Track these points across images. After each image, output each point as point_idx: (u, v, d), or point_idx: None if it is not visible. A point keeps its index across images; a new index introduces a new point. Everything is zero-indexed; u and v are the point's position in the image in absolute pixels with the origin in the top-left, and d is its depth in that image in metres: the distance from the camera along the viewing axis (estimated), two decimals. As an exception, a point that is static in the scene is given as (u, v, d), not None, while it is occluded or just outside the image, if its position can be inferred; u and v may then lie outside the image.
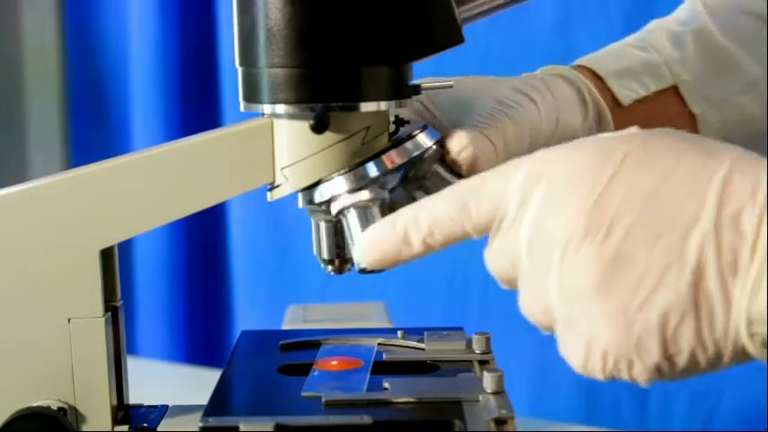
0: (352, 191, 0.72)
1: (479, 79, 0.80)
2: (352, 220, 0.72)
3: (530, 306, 0.61)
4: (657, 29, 0.89)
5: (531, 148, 0.75)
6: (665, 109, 0.86)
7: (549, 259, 0.59)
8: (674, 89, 0.86)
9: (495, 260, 0.62)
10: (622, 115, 0.84)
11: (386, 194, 0.72)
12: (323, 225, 0.75)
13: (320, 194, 0.73)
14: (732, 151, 0.58)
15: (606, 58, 0.86)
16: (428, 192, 0.73)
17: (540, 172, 0.60)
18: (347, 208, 0.72)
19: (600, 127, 0.83)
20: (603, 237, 0.57)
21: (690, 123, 0.87)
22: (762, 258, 0.55)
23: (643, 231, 0.57)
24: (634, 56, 0.86)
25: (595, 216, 0.58)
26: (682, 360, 0.57)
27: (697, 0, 0.90)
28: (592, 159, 0.59)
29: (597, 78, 0.84)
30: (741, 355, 0.57)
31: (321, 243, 0.76)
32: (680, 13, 0.91)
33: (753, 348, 0.56)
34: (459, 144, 0.74)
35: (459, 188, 0.63)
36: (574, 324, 0.59)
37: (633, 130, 0.62)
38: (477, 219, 0.62)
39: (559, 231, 0.58)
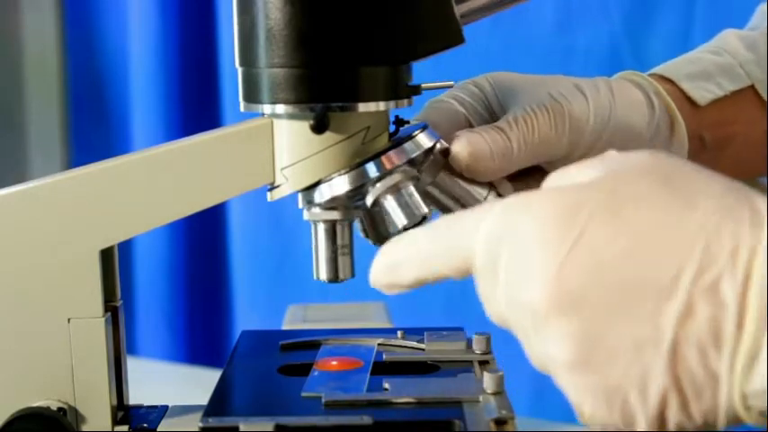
0: (381, 177, 0.71)
1: (552, 77, 0.80)
2: (390, 205, 0.72)
3: (530, 358, 0.59)
4: (729, 36, 0.89)
5: (572, 141, 0.76)
6: (744, 109, 0.86)
7: (525, 327, 0.57)
8: (752, 89, 0.86)
9: (487, 306, 0.60)
10: (701, 118, 0.84)
11: (415, 172, 0.72)
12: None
13: (320, 194, 0.73)
14: (709, 198, 0.53)
15: (678, 64, 0.86)
16: (439, 187, 0.75)
17: (504, 228, 0.57)
18: (383, 194, 0.72)
19: (672, 130, 0.82)
20: (570, 313, 0.54)
21: None
22: (753, 332, 0.51)
23: (612, 305, 0.53)
24: (707, 60, 0.86)
25: (560, 289, 0.54)
26: (671, 427, 0.54)
27: (764, 4, 0.90)
28: (555, 219, 0.55)
29: (670, 83, 0.84)
30: (735, 420, 0.54)
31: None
32: (750, 24, 0.92)
33: (749, 418, 0.53)
34: (458, 146, 0.74)
35: (438, 230, 0.61)
36: (561, 387, 0.57)
37: (612, 153, 0.59)
38: (451, 265, 0.60)
39: (526, 302, 0.55)
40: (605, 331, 0.53)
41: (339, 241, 0.74)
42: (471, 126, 0.78)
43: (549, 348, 0.55)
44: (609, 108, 0.78)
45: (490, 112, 0.79)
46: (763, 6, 0.92)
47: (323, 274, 0.75)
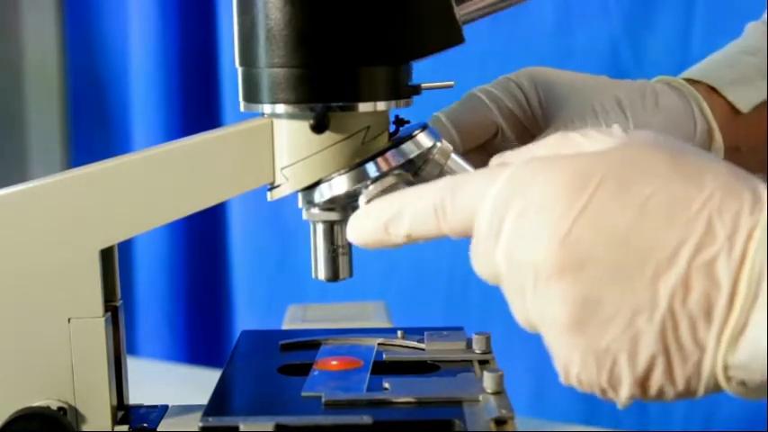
0: (376, 179, 0.72)
1: (596, 80, 0.81)
2: None
3: (515, 314, 0.61)
4: (758, 33, 0.90)
5: None
6: None
7: (523, 286, 0.58)
8: None
9: (478, 264, 0.61)
10: (738, 122, 0.85)
11: (409, 176, 0.73)
12: (320, 227, 0.75)
13: (320, 194, 0.73)
14: (715, 178, 0.56)
15: (718, 68, 0.87)
16: None
17: (513, 191, 0.58)
18: (376, 197, 0.72)
19: (710, 140, 0.83)
20: (574, 275, 0.56)
21: None
22: (741, 310, 0.54)
23: (613, 272, 0.55)
24: (746, 63, 0.87)
25: (565, 251, 0.56)
26: (652, 392, 0.57)
27: None
28: (565, 184, 0.56)
29: (711, 90, 0.85)
30: (714, 389, 0.57)
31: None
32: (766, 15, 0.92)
33: (729, 388, 0.56)
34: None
35: (440, 187, 0.62)
36: (551, 347, 0.59)
37: (617, 130, 0.61)
38: (452, 223, 0.62)
39: (529, 261, 0.57)
40: (604, 296, 0.56)
41: (337, 241, 0.74)
42: (498, 134, 0.80)
43: (545, 309, 0.57)
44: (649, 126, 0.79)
45: (527, 116, 0.80)
46: None
47: (321, 273, 0.75)
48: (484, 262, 0.60)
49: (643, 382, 0.57)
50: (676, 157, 0.57)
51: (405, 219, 0.63)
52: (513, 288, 0.59)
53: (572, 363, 0.58)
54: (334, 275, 0.75)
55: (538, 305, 0.58)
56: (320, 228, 0.74)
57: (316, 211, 0.74)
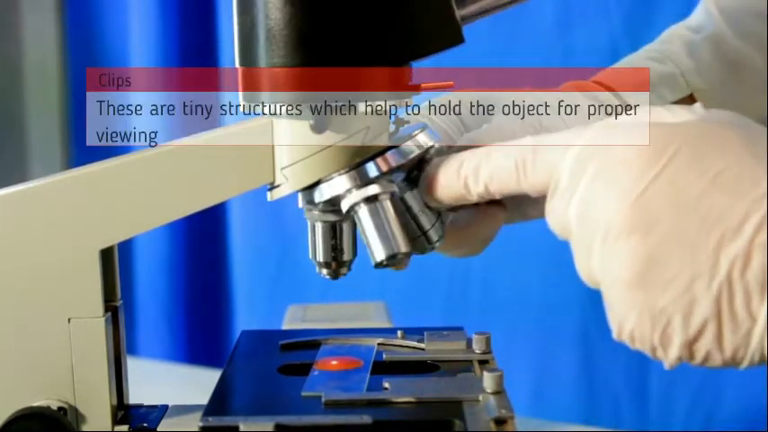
0: (360, 186, 0.72)
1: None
2: (363, 217, 0.72)
3: (580, 270, 0.64)
4: (673, 38, 0.91)
5: None
6: None
7: (592, 241, 0.61)
8: (692, 97, 0.89)
9: (552, 219, 0.65)
10: None
11: (395, 187, 0.72)
12: (319, 226, 0.75)
13: (320, 194, 0.73)
14: None
15: (624, 73, 0.89)
16: None
17: (594, 151, 0.62)
18: (357, 204, 0.72)
19: None
20: (641, 235, 0.59)
21: None
22: None
23: (679, 236, 0.58)
24: (652, 69, 0.89)
25: (636, 212, 0.59)
26: (700, 356, 0.60)
27: (711, 4, 0.91)
28: (643, 149, 0.60)
29: (614, 92, 0.86)
30: (759, 362, 0.59)
31: (317, 245, 0.76)
32: (694, 18, 0.93)
33: None
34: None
35: (521, 145, 0.66)
36: (609, 303, 0.62)
37: (698, 108, 0.64)
38: (532, 180, 0.65)
39: (601, 218, 0.60)
40: (667, 258, 0.59)
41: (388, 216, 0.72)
42: None
43: (610, 265, 0.60)
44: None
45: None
46: (704, 3, 0.93)
47: (379, 254, 0.72)
48: (557, 218, 0.64)
49: (692, 345, 0.59)
50: (752, 137, 0.60)
51: (484, 173, 0.67)
52: (581, 243, 0.62)
53: (627, 319, 0.61)
54: (392, 251, 0.72)
55: (603, 261, 0.61)
56: (364, 210, 0.72)
57: (355, 194, 0.72)
